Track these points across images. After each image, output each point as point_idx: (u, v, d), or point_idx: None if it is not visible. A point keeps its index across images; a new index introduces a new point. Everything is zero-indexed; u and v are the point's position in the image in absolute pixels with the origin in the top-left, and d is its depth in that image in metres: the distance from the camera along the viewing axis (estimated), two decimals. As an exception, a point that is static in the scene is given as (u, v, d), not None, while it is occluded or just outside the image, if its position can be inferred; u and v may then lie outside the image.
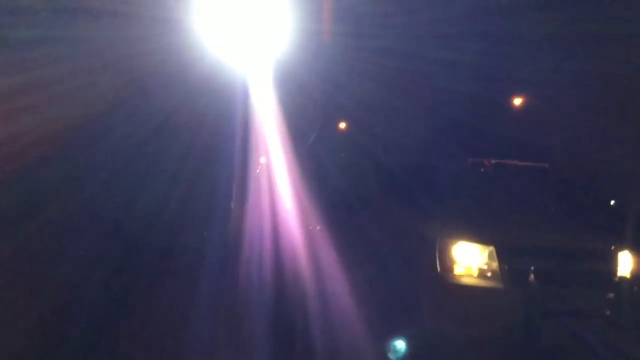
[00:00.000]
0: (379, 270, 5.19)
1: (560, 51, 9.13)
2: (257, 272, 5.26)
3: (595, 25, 8.11)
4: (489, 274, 4.58)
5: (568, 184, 6.40)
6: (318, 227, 5.97)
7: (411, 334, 4.40)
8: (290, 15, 5.29)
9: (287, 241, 5.58)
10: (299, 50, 5.75)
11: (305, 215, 5.85)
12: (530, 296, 4.40)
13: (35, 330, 3.89)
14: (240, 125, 5.76)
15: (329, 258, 5.23)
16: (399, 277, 4.93)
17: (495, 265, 4.58)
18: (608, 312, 4.63)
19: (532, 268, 4.49)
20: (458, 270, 4.63)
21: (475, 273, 4.61)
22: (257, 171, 6.25)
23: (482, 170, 6.42)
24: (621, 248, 4.99)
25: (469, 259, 4.64)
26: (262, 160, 6.28)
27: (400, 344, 4.38)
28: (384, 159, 6.44)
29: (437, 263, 4.65)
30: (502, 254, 4.58)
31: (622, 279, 4.82)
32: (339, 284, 5.01)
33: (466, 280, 4.58)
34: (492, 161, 6.46)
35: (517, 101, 12.15)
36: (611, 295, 4.68)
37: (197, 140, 5.32)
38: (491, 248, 4.62)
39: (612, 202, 8.27)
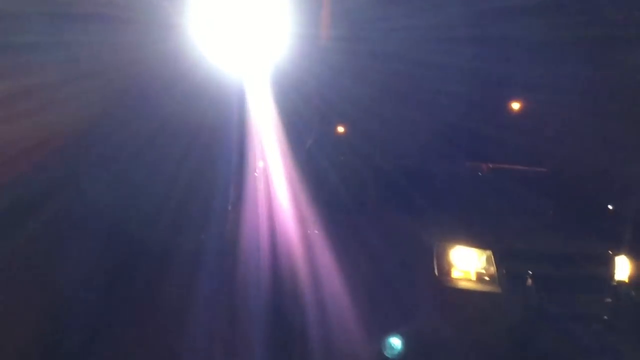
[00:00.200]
0: (377, 274, 5.18)
1: (558, 55, 9.16)
2: (255, 274, 5.25)
3: (592, 29, 8.15)
4: (486, 278, 4.59)
5: (566, 189, 6.40)
6: (316, 231, 5.97)
7: (406, 332, 4.39)
8: (288, 20, 5.30)
9: (284, 244, 5.57)
10: (297, 54, 5.76)
11: (303, 219, 5.84)
12: (528, 300, 4.41)
13: (31, 332, 3.89)
14: (237, 129, 5.77)
15: (327, 261, 5.23)
16: (397, 281, 4.93)
17: (492, 269, 4.58)
18: (606, 317, 4.63)
19: (529, 272, 4.50)
20: (456, 274, 4.64)
21: (473, 277, 4.61)
22: (256, 174, 6.24)
23: (480, 174, 6.42)
24: (619, 252, 5.00)
25: (467, 263, 4.65)
26: (260, 164, 6.27)
27: (396, 342, 4.38)
28: (382, 163, 6.44)
29: (435, 267, 4.66)
30: (500, 258, 4.59)
31: (620, 283, 4.83)
32: (336, 287, 5.00)
33: (464, 284, 4.58)
34: (490, 165, 6.47)
35: (515, 105, 12.18)
36: (609, 299, 4.68)
37: (195, 144, 5.32)
38: (489, 252, 4.63)
39: (610, 207, 8.28)
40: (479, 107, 9.46)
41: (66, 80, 4.54)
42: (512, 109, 12.20)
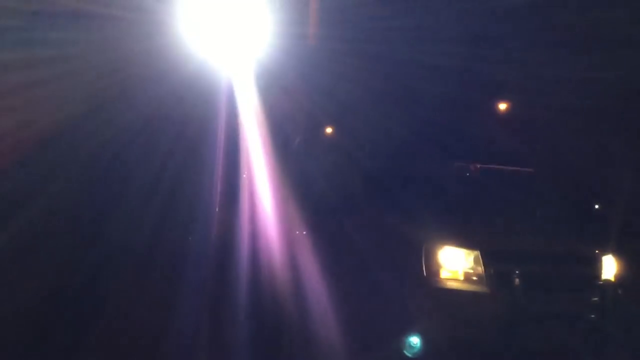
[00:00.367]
0: (366, 275, 5.17)
1: (546, 56, 9.21)
2: (243, 275, 5.21)
3: (581, 31, 8.21)
4: (474, 278, 4.59)
5: (553, 189, 6.42)
6: (304, 232, 5.94)
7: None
8: (276, 19, 5.27)
9: (272, 246, 5.53)
10: (285, 54, 5.73)
11: (291, 220, 5.81)
12: (515, 300, 4.41)
13: (14, 329, 3.83)
14: (224, 129, 5.72)
15: (314, 263, 5.20)
16: (386, 282, 4.92)
17: (480, 269, 4.58)
18: (592, 316, 4.65)
19: (517, 272, 4.50)
20: (444, 274, 4.64)
21: (461, 277, 4.61)
22: (244, 176, 6.20)
23: (467, 175, 6.43)
24: (605, 252, 5.03)
25: (455, 263, 4.65)
26: (248, 166, 6.23)
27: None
28: (370, 164, 6.43)
29: (423, 267, 4.65)
30: (488, 258, 4.59)
31: (606, 282, 4.85)
32: (325, 289, 4.98)
33: (452, 284, 4.58)
34: (478, 166, 6.47)
35: (503, 106, 12.24)
36: (595, 299, 4.70)
37: (181, 144, 5.28)
38: (476, 252, 4.63)
39: (597, 207, 8.34)
40: (467, 107, 9.48)
41: (51, 77, 4.50)
42: (500, 110, 12.27)
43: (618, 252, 5.15)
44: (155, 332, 4.16)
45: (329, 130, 10.32)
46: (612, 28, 8.21)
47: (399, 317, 4.64)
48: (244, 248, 5.50)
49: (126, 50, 4.77)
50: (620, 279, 5.04)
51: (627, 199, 7.43)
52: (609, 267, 5.00)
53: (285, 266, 5.37)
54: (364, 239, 5.43)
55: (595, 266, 4.90)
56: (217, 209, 5.79)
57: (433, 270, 4.64)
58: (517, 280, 4.47)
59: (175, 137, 5.21)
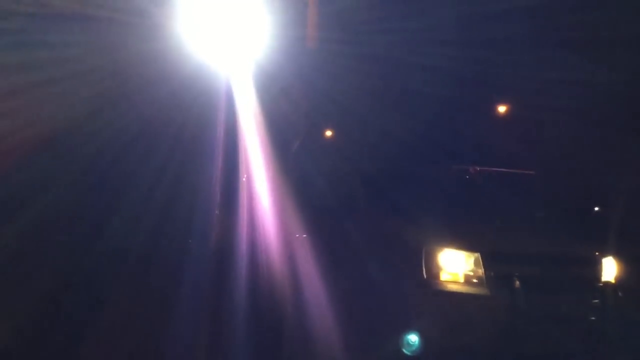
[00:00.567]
0: (366, 278, 5.16)
1: (546, 58, 9.22)
2: (243, 278, 5.21)
3: (580, 32, 8.21)
4: (474, 281, 4.58)
5: (553, 191, 6.42)
6: (305, 235, 5.93)
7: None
8: (275, 22, 5.27)
9: (272, 248, 5.52)
10: (283, 56, 5.73)
11: (291, 223, 5.80)
12: (516, 302, 4.40)
13: (10, 333, 3.82)
14: (224, 132, 5.72)
15: (314, 265, 5.19)
16: (386, 284, 4.91)
17: (480, 271, 4.58)
18: (593, 318, 4.64)
19: (517, 274, 4.50)
20: (444, 276, 4.63)
21: (461, 279, 4.61)
22: (244, 179, 6.19)
23: (467, 177, 6.42)
24: (605, 254, 5.02)
25: (455, 266, 4.64)
26: (248, 167, 6.22)
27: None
28: (369, 166, 6.42)
29: (424, 270, 4.65)
30: (488, 260, 4.59)
31: (607, 284, 4.84)
32: (325, 291, 4.97)
33: (452, 287, 4.57)
34: (478, 168, 6.47)
35: (503, 108, 12.25)
36: (596, 301, 4.69)
37: (180, 146, 5.27)
38: (477, 255, 4.62)
39: (597, 209, 8.34)
40: (466, 110, 9.49)
41: (50, 80, 4.50)
42: (499, 112, 12.27)
43: (618, 254, 5.14)
44: (155, 335, 4.15)
45: (328, 132, 10.31)
46: (611, 30, 8.22)
47: (399, 320, 4.63)
48: (243, 251, 5.49)
49: (125, 53, 4.77)
50: (621, 281, 5.03)
51: (627, 201, 7.42)
52: (609, 269, 4.99)
53: (285, 269, 5.36)
54: (364, 241, 5.42)
55: (595, 268, 4.89)
56: (216, 212, 5.78)
57: (433, 272, 4.63)
58: (517, 282, 4.46)
59: (175, 140, 5.20)
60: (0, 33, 4.33)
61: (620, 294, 4.86)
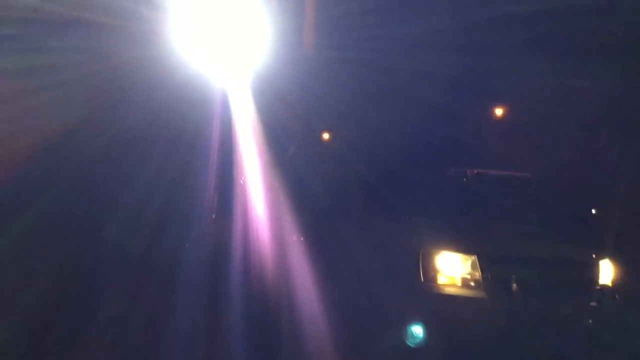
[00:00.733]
0: (362, 281, 5.15)
1: (542, 64, 9.24)
2: (239, 281, 5.21)
3: (576, 38, 8.24)
4: (471, 284, 4.58)
5: (550, 194, 6.43)
6: (301, 238, 5.93)
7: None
8: (271, 27, 5.30)
9: (268, 252, 5.53)
10: (280, 61, 5.75)
11: (287, 227, 5.81)
12: (513, 305, 4.40)
13: (10, 333, 3.84)
14: (220, 137, 5.73)
15: (311, 269, 5.19)
16: (383, 288, 4.90)
17: (477, 274, 4.58)
18: (590, 321, 4.64)
19: (514, 277, 4.50)
20: (441, 279, 4.63)
21: (459, 282, 4.61)
22: (241, 182, 6.20)
23: (464, 180, 6.44)
24: (603, 257, 5.02)
25: (452, 269, 4.64)
26: (245, 171, 6.23)
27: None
28: (366, 170, 6.43)
29: (421, 273, 4.64)
30: (485, 263, 4.59)
31: (604, 287, 4.85)
32: (321, 295, 4.97)
33: (449, 290, 4.58)
34: (475, 171, 6.48)
35: (499, 111, 12.27)
36: (593, 304, 4.69)
37: (176, 151, 5.28)
38: (474, 257, 4.63)
39: (594, 211, 8.34)
40: (463, 114, 9.50)
41: (46, 85, 4.52)
42: (496, 116, 12.30)
43: (615, 257, 5.14)
44: (152, 336, 4.15)
45: (324, 137, 10.33)
46: (608, 35, 8.26)
47: (396, 323, 4.62)
48: (240, 254, 5.49)
49: (122, 59, 4.79)
50: (618, 283, 5.03)
51: (624, 204, 7.43)
52: (607, 272, 4.99)
53: (281, 272, 5.36)
54: (360, 245, 5.42)
55: (592, 271, 4.90)
56: (213, 216, 5.79)
57: (430, 275, 4.63)
58: (514, 285, 4.46)
59: (171, 145, 5.22)
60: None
61: (617, 296, 4.86)
